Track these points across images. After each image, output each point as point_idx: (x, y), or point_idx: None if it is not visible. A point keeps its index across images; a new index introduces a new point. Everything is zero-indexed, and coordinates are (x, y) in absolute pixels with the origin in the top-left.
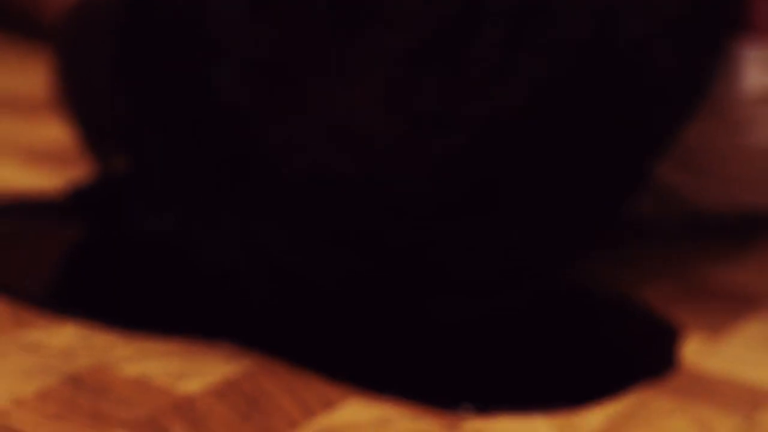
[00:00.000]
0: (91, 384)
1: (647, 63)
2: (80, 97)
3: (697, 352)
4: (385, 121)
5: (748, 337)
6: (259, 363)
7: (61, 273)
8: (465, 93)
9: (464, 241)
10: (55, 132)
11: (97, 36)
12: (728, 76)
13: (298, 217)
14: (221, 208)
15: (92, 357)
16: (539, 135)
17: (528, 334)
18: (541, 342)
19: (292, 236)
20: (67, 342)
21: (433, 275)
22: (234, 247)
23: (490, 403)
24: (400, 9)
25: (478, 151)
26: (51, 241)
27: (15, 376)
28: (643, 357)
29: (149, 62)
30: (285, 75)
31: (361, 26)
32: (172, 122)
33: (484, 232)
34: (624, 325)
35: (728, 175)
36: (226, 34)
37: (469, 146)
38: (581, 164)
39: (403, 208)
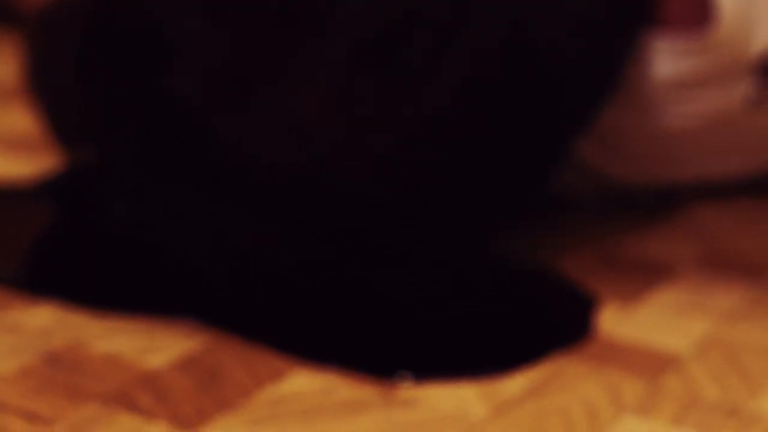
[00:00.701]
0: (66, 361)
1: (561, 58)
2: (48, 91)
3: (611, 320)
4: (329, 121)
5: (659, 305)
6: (217, 339)
7: (36, 257)
8: (398, 95)
9: (402, 222)
10: (27, 120)
11: (65, 35)
12: (641, 65)
13: (253, 203)
14: (182, 195)
15: (66, 336)
16: (465, 127)
17: (455, 304)
18: (468, 311)
19: (249, 220)
20: (43, 322)
21: (375, 255)
22: (193, 231)
23: (422, 372)
24: (341, 19)
25: (412, 146)
26: (24, 226)
27: (2, 352)
28: (561, 325)
29: (111, 63)
30: (236, 76)
31: (306, 34)
32: (135, 119)
33: (419, 214)
34: (543, 295)
35: (641, 152)
36: (182, 39)
37: (403, 142)
38: (505, 148)
39: (346, 195)
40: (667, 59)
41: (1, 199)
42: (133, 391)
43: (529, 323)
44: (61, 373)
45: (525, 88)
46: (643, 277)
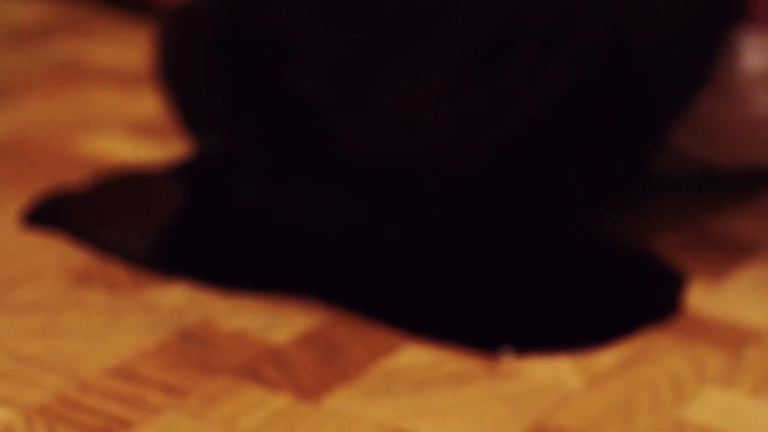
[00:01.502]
0: (198, 337)
1: (658, 58)
2: (180, 82)
3: (698, 296)
4: (441, 118)
5: (743, 282)
6: (335, 316)
7: (167, 238)
8: (506, 96)
9: (508, 210)
10: (156, 106)
11: (199, 32)
12: (731, 59)
13: (369, 191)
14: (304, 183)
15: (198, 313)
16: (568, 123)
17: (555, 283)
18: (567, 290)
19: (365, 207)
20: (177, 301)
21: (481, 239)
22: (315, 215)
23: (523, 346)
24: (452, 24)
25: (518, 142)
26: (156, 208)
27: (138, 331)
28: (652, 302)
29: (241, 61)
30: (353, 75)
31: (418, 37)
32: (261, 113)
33: (525, 203)
34: (637, 273)
35: (731, 137)
36: (304, 41)
37: (510, 138)
38: (605, 141)
39: (457, 185)
40: (755, 54)
41: (133, 181)
42: (260, 364)
43: (623, 300)
44: (194, 348)
45: (624, 86)
46: (729, 255)
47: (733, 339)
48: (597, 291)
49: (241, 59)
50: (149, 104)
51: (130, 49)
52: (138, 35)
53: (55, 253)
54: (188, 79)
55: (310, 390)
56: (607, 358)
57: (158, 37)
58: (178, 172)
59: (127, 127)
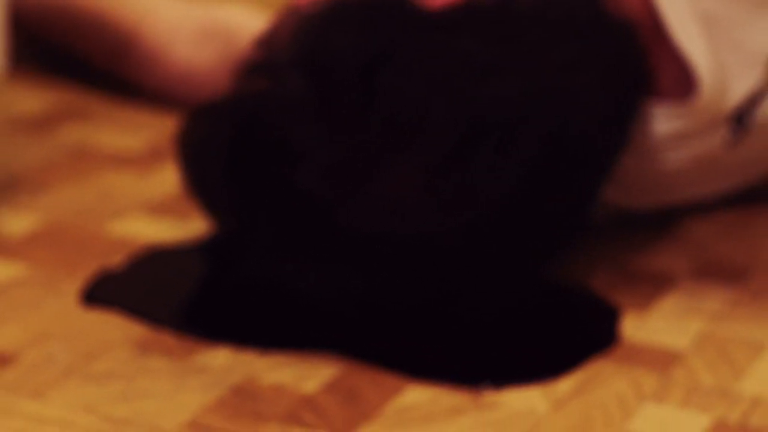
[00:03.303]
0: (246, 391)
1: (593, 140)
2: (201, 177)
3: (631, 326)
4: (423, 203)
5: (666, 311)
6: (352, 365)
7: (199, 306)
8: (473, 183)
9: (478, 271)
10: (167, 186)
11: (218, 135)
12: (645, 125)
13: (365, 264)
14: (308, 259)
15: (242, 371)
16: (526, 200)
17: (520, 326)
18: (529, 330)
19: (363, 276)
20: (223, 362)
21: (459, 296)
22: (324, 286)
23: (500, 380)
24: (429, 126)
25: (484, 219)
26: (188, 282)
27: (198, 390)
28: (596, 335)
29: (254, 160)
30: (351, 171)
31: (403, 137)
32: (268, 204)
33: (492, 264)
34: (582, 311)
35: (645, 186)
36: (306, 143)
37: (477, 217)
38: (556, 207)
39: (436, 256)
40: (663, 121)
41: (163, 259)
42: (299, 410)
43: (573, 335)
44: (245, 401)
45: (567, 165)
46: (652, 287)
47: (661, 361)
48: (553, 329)
49: (253, 158)
50: (161, 185)
51: (132, 132)
52: (136, 118)
53: (117, 328)
54: (208, 172)
55: (343, 429)
56: (565, 384)
57: (181, 133)
58: (201, 250)
59: (146, 208)
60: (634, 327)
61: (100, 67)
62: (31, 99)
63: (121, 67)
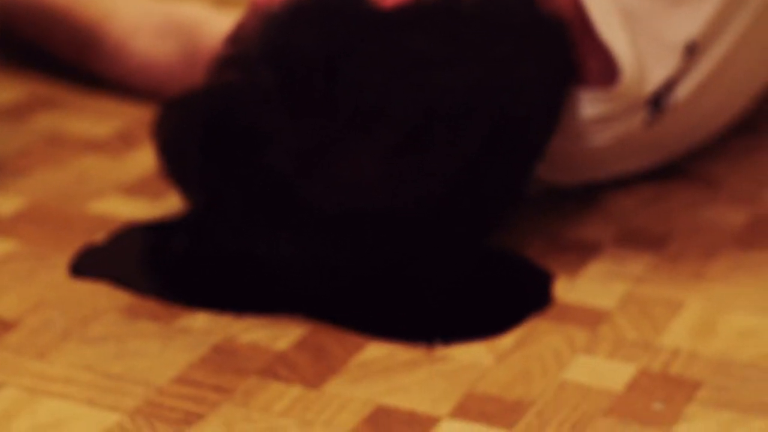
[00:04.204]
0: (227, 350)
1: (530, 123)
2: (177, 161)
3: (562, 289)
4: (380, 182)
5: (593, 275)
6: (318, 326)
7: (178, 275)
8: (427, 164)
9: (431, 241)
10: (140, 168)
11: (193, 123)
12: (572, 109)
13: (327, 236)
14: (279, 231)
15: (221, 333)
16: (473, 177)
17: (467, 290)
18: (474, 293)
19: (327, 245)
20: (203, 324)
21: (413, 263)
22: (292, 256)
23: (449, 337)
24: (388, 113)
25: (436, 196)
26: (167, 255)
27: (184, 349)
28: (533, 297)
29: (227, 145)
30: (314, 154)
31: (364, 122)
32: (239, 182)
33: (442, 234)
34: (521, 275)
35: (573, 164)
36: (274, 128)
37: (430, 194)
38: (497, 183)
39: (394, 228)
40: (589, 106)
41: (142, 234)
42: (274, 366)
43: (513, 297)
44: (226, 358)
45: (509, 146)
46: (580, 254)
47: (591, 318)
48: (495, 292)
49: (226, 143)
50: (134, 168)
51: (103, 119)
52: (105, 106)
53: (106, 296)
54: (184, 157)
55: (312, 381)
56: (507, 340)
57: (158, 120)
58: (176, 225)
59: (122, 189)
60: (566, 289)
61: (67, 59)
62: (6, 90)
63: (87, 60)
